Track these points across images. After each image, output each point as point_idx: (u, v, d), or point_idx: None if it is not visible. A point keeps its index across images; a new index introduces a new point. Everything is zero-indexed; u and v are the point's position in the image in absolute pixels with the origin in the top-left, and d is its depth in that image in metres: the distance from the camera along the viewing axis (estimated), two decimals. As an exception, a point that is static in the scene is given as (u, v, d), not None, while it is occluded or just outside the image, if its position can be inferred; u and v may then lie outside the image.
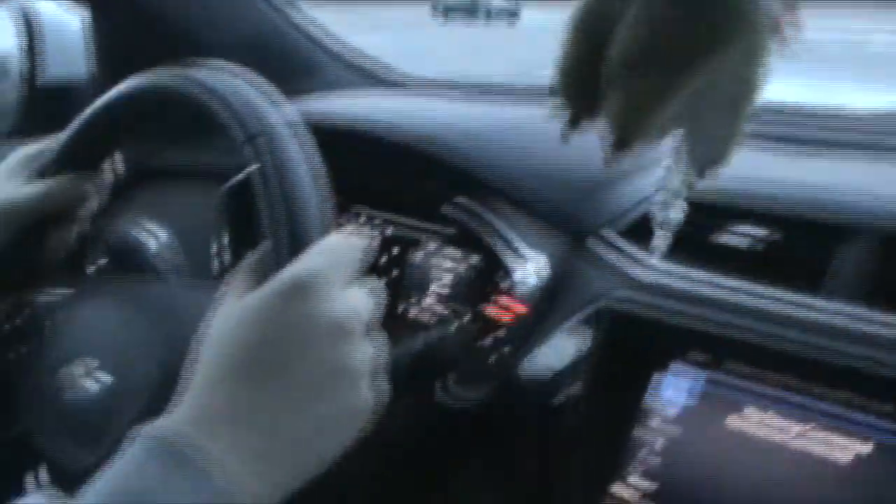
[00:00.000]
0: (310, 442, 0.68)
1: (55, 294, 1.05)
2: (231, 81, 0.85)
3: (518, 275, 1.09)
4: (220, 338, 0.70)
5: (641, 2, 0.61)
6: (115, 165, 1.10)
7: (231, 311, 0.71)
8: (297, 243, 0.74)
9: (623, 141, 0.64)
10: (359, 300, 0.72)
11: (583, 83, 0.66)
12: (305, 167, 0.78)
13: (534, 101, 1.46)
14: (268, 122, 0.80)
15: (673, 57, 0.61)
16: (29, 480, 0.95)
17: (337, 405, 0.69)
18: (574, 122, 0.68)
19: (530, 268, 1.09)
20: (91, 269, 1.17)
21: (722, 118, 0.67)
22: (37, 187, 1.02)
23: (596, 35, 0.63)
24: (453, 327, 1.22)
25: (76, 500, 0.62)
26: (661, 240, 0.88)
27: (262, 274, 0.73)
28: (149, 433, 0.65)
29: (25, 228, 1.02)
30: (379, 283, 0.75)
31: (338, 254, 0.73)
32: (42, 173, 1.03)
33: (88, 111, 0.99)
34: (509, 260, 1.11)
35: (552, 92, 0.68)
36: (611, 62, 0.62)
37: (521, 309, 1.08)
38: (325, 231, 0.76)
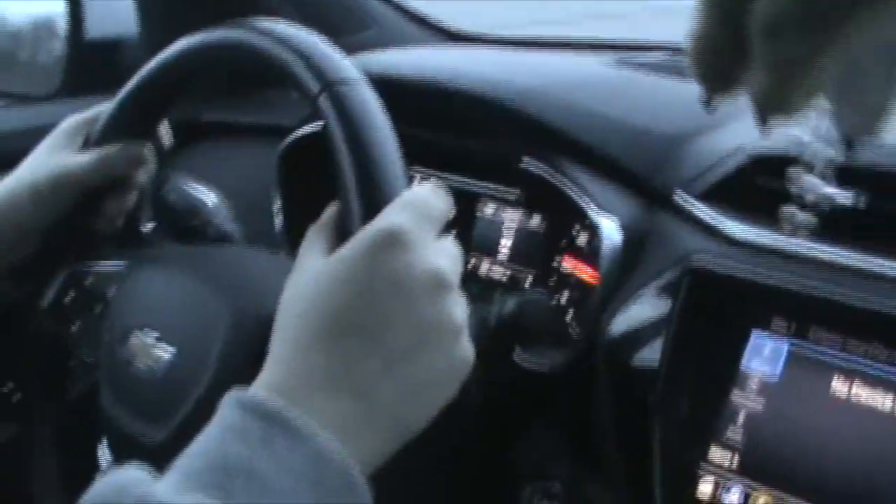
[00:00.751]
0: (410, 403, 0.65)
1: (115, 263, 1.02)
2: (303, 33, 0.81)
3: (595, 236, 1.04)
4: (308, 299, 0.66)
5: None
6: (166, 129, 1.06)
7: (316, 269, 0.67)
8: (379, 197, 0.70)
9: (768, 115, 0.60)
10: (450, 252, 0.69)
11: (720, 56, 0.62)
12: (384, 117, 0.74)
13: (608, 54, 1.42)
14: (346, 71, 0.77)
15: (820, 19, 0.57)
16: (101, 453, 0.93)
17: (437, 362, 0.66)
18: (711, 99, 0.64)
19: (609, 228, 1.03)
20: (146, 232, 1.14)
21: (874, 86, 0.62)
22: (91, 155, 0.98)
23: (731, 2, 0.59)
24: (534, 289, 1.18)
25: (174, 467, 0.58)
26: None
27: (343, 231, 0.69)
28: (241, 399, 0.61)
29: (81, 198, 0.99)
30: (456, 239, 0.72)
31: (424, 206, 0.69)
32: (96, 140, 0.99)
33: (143, 71, 0.95)
34: (583, 221, 1.06)
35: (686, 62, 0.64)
36: (751, 30, 0.58)
37: (598, 271, 1.04)
38: (405, 184, 0.71)
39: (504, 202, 1.23)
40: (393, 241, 0.65)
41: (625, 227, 1.04)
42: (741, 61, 0.61)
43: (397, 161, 0.72)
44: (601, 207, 1.05)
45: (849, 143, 0.69)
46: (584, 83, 1.25)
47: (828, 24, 0.56)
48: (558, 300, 1.14)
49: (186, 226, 1.14)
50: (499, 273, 1.23)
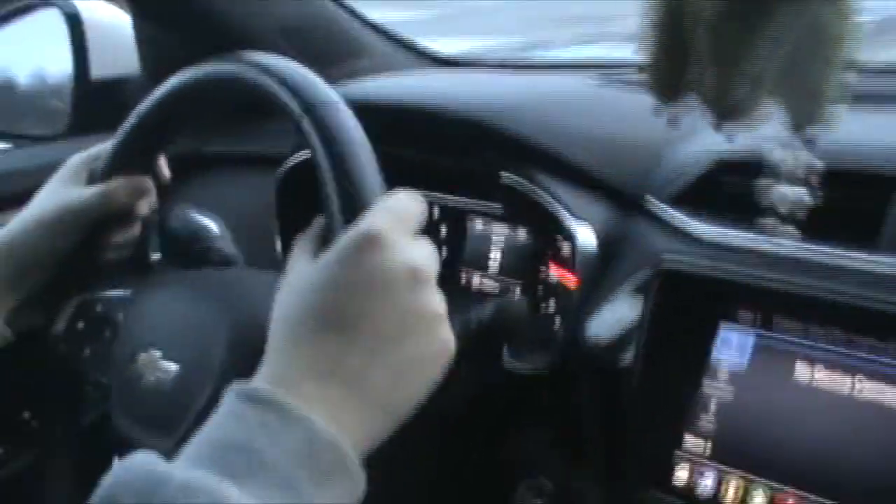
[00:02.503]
0: (397, 387, 0.70)
1: (123, 291, 1.08)
2: (285, 61, 0.87)
3: (572, 243, 1.10)
4: (297, 298, 0.72)
5: None
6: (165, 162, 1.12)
7: (304, 272, 0.74)
8: (358, 205, 0.76)
9: (720, 115, 0.66)
10: (425, 250, 0.75)
11: (669, 62, 0.68)
12: (361, 134, 0.81)
13: (583, 71, 1.47)
14: (325, 95, 0.83)
15: (755, 11, 0.63)
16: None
17: (420, 348, 0.72)
18: (666, 102, 0.70)
19: (584, 235, 1.09)
20: (153, 259, 1.20)
21: (815, 75, 0.68)
22: (96, 189, 1.04)
23: (675, 13, 0.66)
24: (515, 296, 1.24)
25: (181, 452, 0.64)
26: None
27: (327, 238, 0.76)
28: (239, 390, 0.67)
29: (88, 231, 1.05)
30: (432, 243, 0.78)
31: (399, 210, 0.75)
32: (100, 176, 1.05)
33: (140, 108, 1.02)
34: (564, 228, 1.12)
35: (640, 71, 0.70)
36: (693, 30, 0.65)
37: (577, 276, 1.10)
38: (381, 193, 0.78)
39: (491, 217, 1.29)
40: (371, 242, 0.71)
41: (599, 233, 1.10)
42: (687, 65, 0.68)
43: (373, 172, 0.79)
44: (576, 216, 1.11)
45: (799, 130, 0.73)
46: (557, 100, 1.32)
47: (763, 14, 0.63)
48: (546, 307, 1.20)
49: (191, 251, 1.19)
50: (490, 285, 1.29)
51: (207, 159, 1.63)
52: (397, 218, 0.74)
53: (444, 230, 1.34)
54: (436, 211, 1.34)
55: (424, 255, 0.74)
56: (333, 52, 1.60)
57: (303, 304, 0.72)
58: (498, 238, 1.29)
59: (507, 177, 1.17)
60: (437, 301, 0.73)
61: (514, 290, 1.26)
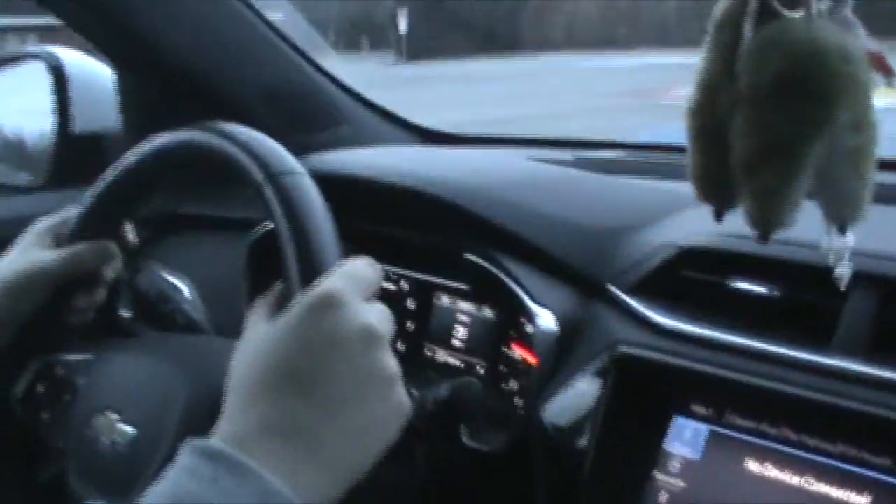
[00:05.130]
0: (350, 447, 0.71)
1: (84, 354, 1.08)
2: (248, 130, 0.90)
3: (533, 325, 1.11)
4: (254, 357, 0.74)
5: (746, 111, 0.69)
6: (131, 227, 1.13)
7: (260, 333, 0.75)
8: (315, 269, 0.78)
9: (764, 231, 0.70)
10: (380, 312, 0.77)
11: (716, 183, 0.72)
12: (320, 202, 0.83)
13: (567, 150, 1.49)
14: (285, 164, 0.86)
15: (785, 154, 0.69)
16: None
17: (374, 409, 0.73)
18: (718, 215, 0.74)
19: (545, 318, 1.10)
20: (122, 322, 1.20)
21: (847, 175, 0.72)
22: (62, 253, 1.05)
23: (716, 138, 0.70)
24: (477, 374, 1.25)
25: None
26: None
27: (284, 303, 0.77)
28: (194, 445, 0.68)
29: (52, 294, 1.05)
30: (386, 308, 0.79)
31: (356, 274, 0.77)
32: (66, 240, 1.06)
33: (109, 174, 1.03)
34: (524, 311, 1.13)
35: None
36: (733, 168, 0.69)
37: (536, 358, 1.11)
38: (339, 258, 0.80)
39: (458, 294, 1.30)
40: (327, 304, 0.73)
41: (559, 317, 1.11)
42: (733, 188, 0.71)
43: (331, 239, 0.81)
44: (537, 300, 1.12)
45: (841, 228, 0.75)
46: (524, 182, 1.34)
47: (791, 157, 0.67)
48: (507, 386, 1.21)
49: (159, 312, 1.20)
50: (454, 362, 1.30)
51: (182, 221, 1.64)
52: (353, 282, 0.76)
53: (410, 305, 1.35)
54: (403, 285, 1.35)
55: (379, 318, 0.76)
56: (314, 119, 1.62)
57: (259, 363, 0.73)
58: (463, 315, 1.30)
59: (470, 257, 1.19)
60: (391, 363, 0.75)
61: (477, 368, 1.27)
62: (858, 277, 0.95)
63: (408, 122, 1.75)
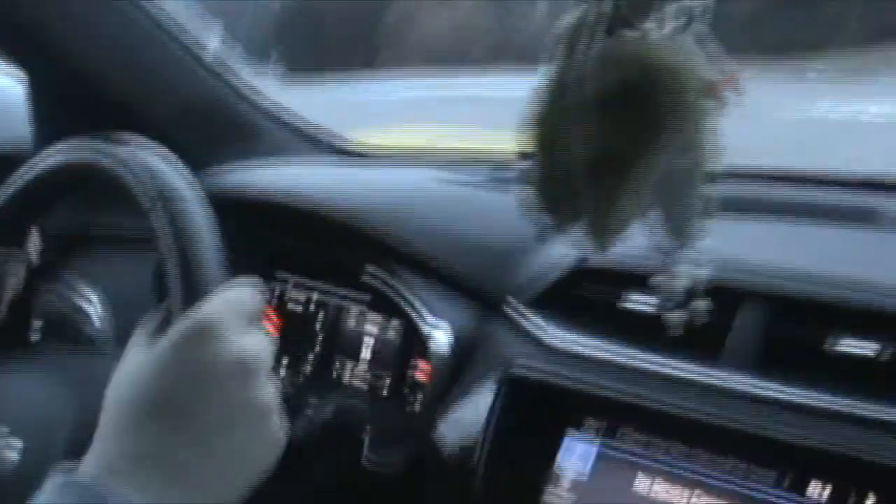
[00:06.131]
0: (222, 479, 0.70)
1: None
2: (139, 152, 0.89)
3: (429, 342, 1.12)
4: (128, 386, 0.72)
5: (582, 124, 0.69)
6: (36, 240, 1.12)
7: (137, 359, 0.73)
8: (196, 294, 0.77)
9: (600, 239, 0.70)
10: (258, 341, 0.75)
11: (557, 195, 0.72)
12: (205, 227, 0.83)
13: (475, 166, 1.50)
14: (170, 187, 0.85)
15: (617, 168, 0.69)
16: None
17: (247, 441, 0.72)
18: (558, 228, 0.74)
19: (440, 335, 1.11)
20: (32, 338, 1.19)
21: (679, 195, 0.73)
22: None
23: (558, 149, 0.70)
24: (375, 390, 1.25)
25: None
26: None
27: (165, 327, 0.75)
28: (60, 477, 0.66)
29: None
30: (270, 331, 0.79)
31: (234, 301, 0.76)
32: None
33: (3, 189, 1.02)
34: (420, 327, 1.13)
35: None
36: (573, 176, 0.69)
37: (433, 374, 1.11)
38: (221, 283, 0.79)
39: (366, 309, 1.30)
40: (203, 332, 0.72)
41: (456, 333, 1.12)
42: (573, 199, 0.72)
43: (214, 263, 0.81)
44: (434, 314, 1.13)
45: (680, 242, 0.76)
46: (425, 199, 1.34)
47: (627, 165, 0.67)
48: (413, 402, 1.21)
49: (68, 327, 1.18)
50: (360, 377, 1.29)
51: (94, 235, 1.62)
52: (233, 308, 0.75)
53: (319, 320, 1.35)
54: (312, 300, 1.35)
55: (257, 346, 0.74)
56: (228, 134, 1.60)
57: (132, 390, 0.72)
58: (370, 330, 1.29)
59: (371, 271, 1.19)
60: (267, 393, 0.73)
61: (383, 383, 1.26)
62: (747, 293, 0.97)
63: (322, 137, 1.74)
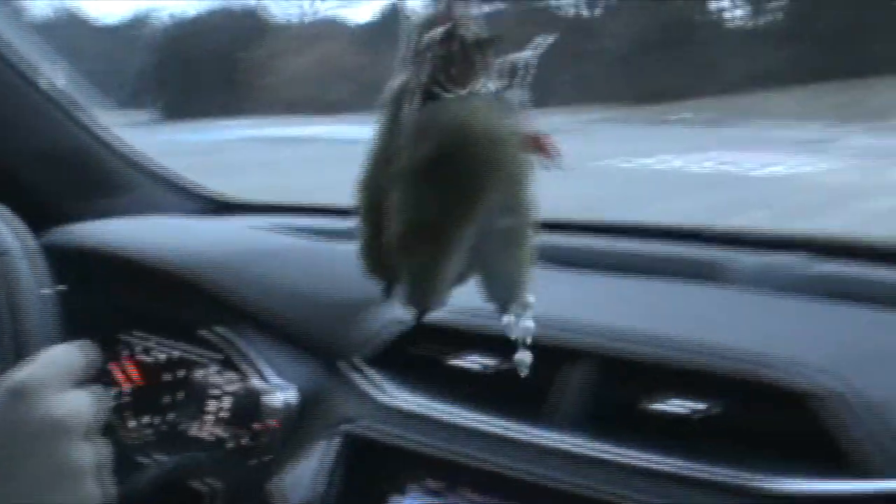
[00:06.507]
0: None
1: None
2: None
3: (270, 401, 1.11)
4: None
5: (401, 189, 0.70)
6: None
7: None
8: (18, 355, 0.76)
9: (419, 304, 0.70)
10: (78, 403, 0.74)
11: (380, 259, 0.73)
12: (34, 286, 0.81)
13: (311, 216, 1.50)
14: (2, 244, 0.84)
15: (435, 234, 0.69)
16: None
17: (61, 502, 0.70)
18: (387, 292, 0.74)
19: (281, 394, 1.11)
20: None
21: (502, 256, 0.73)
22: None
23: (381, 214, 0.70)
24: (222, 445, 1.24)
25: None
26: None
27: None
28: None
29: None
30: (102, 390, 0.77)
31: (56, 361, 0.75)
32: None
33: None
34: (261, 387, 1.13)
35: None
36: (392, 241, 0.69)
37: (274, 432, 1.11)
38: (46, 344, 0.78)
39: (216, 365, 1.28)
40: (20, 391, 0.71)
41: (298, 392, 1.12)
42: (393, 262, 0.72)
43: (38, 322, 0.79)
44: (277, 373, 1.13)
45: (503, 308, 0.76)
46: (270, 255, 1.34)
47: (443, 232, 0.67)
48: (240, 458, 1.20)
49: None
50: (211, 433, 1.27)
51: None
52: (53, 369, 0.74)
53: (169, 375, 1.33)
54: (163, 356, 1.33)
55: (76, 407, 0.73)
56: (102, 185, 1.59)
57: None
58: (219, 386, 1.27)
59: (217, 330, 1.18)
60: (83, 455, 0.72)
61: (231, 440, 1.25)
62: (571, 351, 0.97)
63: (195, 190, 1.73)
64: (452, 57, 0.68)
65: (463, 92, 0.68)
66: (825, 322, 1.05)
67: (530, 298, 0.76)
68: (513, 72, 0.70)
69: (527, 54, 0.71)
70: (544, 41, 0.72)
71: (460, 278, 0.74)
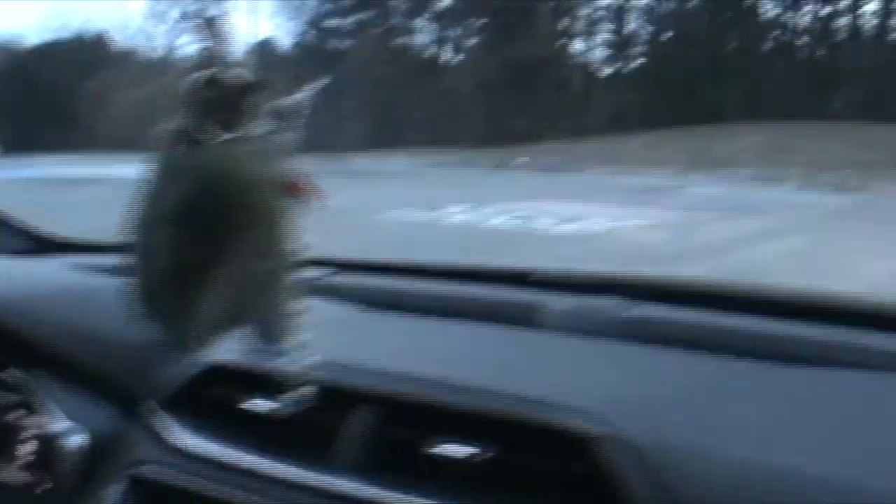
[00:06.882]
0: None
1: None
2: None
3: (61, 444, 1.09)
4: None
5: (160, 233, 0.70)
6: None
7: None
8: None
9: (184, 344, 0.74)
10: None
11: (152, 303, 0.71)
12: None
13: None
14: None
15: (190, 277, 0.70)
16: None
17: None
18: (160, 333, 0.73)
19: (72, 437, 1.08)
20: None
21: (261, 299, 0.72)
22: None
23: (144, 256, 0.69)
24: (28, 489, 1.19)
25: None
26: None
27: None
28: None
29: None
30: None
31: None
32: None
33: None
34: (54, 430, 1.11)
35: None
36: (155, 284, 0.68)
37: (65, 476, 1.09)
38: None
39: (19, 408, 1.24)
40: None
41: (91, 435, 1.10)
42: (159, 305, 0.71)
43: None
44: (69, 416, 1.10)
45: (272, 347, 0.76)
46: (67, 294, 1.31)
47: (198, 279, 0.67)
48: (56, 502, 1.15)
49: None
50: (16, 477, 1.23)
51: None
52: None
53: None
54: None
55: None
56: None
57: None
58: (24, 429, 1.24)
59: (10, 372, 1.15)
60: None
61: (35, 482, 1.21)
62: (357, 395, 0.97)
63: (27, 232, 1.67)
64: (215, 102, 0.68)
65: (229, 136, 0.68)
66: (624, 365, 1.06)
67: (306, 336, 0.76)
68: (282, 115, 0.70)
69: (299, 96, 0.71)
70: (319, 83, 0.72)
71: (235, 320, 0.74)
